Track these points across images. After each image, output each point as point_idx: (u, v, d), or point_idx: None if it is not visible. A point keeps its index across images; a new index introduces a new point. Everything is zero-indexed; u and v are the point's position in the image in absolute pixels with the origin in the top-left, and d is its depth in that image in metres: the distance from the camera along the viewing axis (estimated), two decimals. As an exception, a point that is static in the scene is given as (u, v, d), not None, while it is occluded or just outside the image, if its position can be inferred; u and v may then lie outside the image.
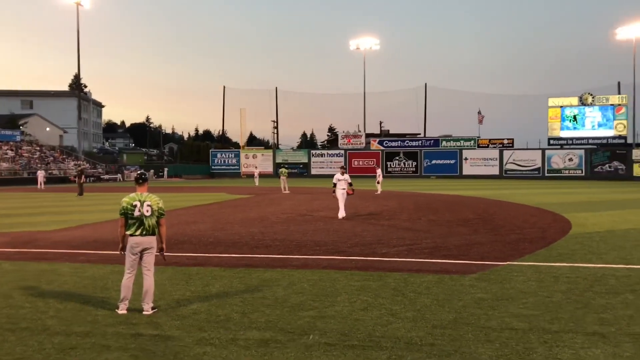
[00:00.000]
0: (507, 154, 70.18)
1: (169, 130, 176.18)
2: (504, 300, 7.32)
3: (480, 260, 10.45)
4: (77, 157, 70.07)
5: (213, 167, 78.85)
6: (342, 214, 18.17)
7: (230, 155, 79.56)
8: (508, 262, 10.15)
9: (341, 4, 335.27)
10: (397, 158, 73.56)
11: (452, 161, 71.78)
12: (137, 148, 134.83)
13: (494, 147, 71.02)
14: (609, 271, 9.25)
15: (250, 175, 59.85)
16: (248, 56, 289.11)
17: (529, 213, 20.08)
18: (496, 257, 10.78)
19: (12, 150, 61.69)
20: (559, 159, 68.08)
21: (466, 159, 71.37)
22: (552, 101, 69.02)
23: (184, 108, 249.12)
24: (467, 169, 70.87)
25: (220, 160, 79.09)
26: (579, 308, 6.93)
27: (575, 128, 67.85)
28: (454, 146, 72.57)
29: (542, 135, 71.40)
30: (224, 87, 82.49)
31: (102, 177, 64.70)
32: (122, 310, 6.80)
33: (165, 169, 76.06)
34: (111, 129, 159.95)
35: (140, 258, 6.92)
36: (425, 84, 78.94)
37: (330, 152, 78.67)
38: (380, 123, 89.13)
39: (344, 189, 18.28)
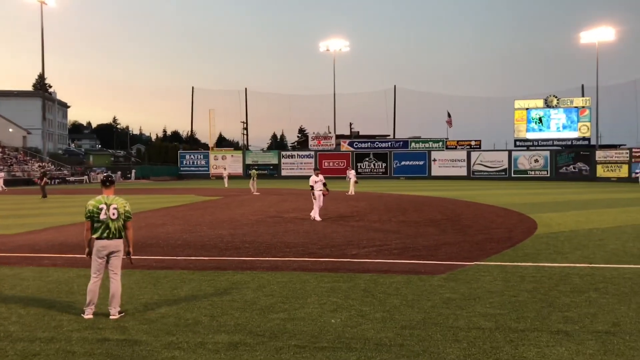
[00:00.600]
0: (474, 155, 71.42)
1: (136, 131, 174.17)
2: (472, 300, 7.43)
3: (448, 260, 10.58)
4: (42, 159, 68.44)
5: (182, 169, 77.94)
6: (317, 216, 18.17)
7: (199, 157, 78.71)
8: (475, 262, 10.30)
9: (311, 5, 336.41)
10: (367, 159, 74.03)
11: (421, 162, 72.62)
12: (103, 149, 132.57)
13: (462, 148, 72.26)
14: (573, 270, 9.46)
15: (220, 177, 59.44)
16: (217, 57, 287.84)
17: (495, 213, 20.42)
18: (464, 257, 10.93)
19: (-27, 151, 59.96)
20: (525, 160, 69.58)
21: (435, 160, 72.35)
22: (518, 103, 70.52)
23: (151, 109, 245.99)
24: (435, 170, 71.81)
25: (189, 162, 78.20)
26: (544, 307, 7.07)
27: (540, 130, 69.38)
28: (422, 147, 73.47)
29: (508, 137, 73.13)
30: (193, 87, 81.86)
31: (67, 179, 63.16)
32: (88, 314, 6.68)
33: (133, 171, 74.84)
34: (77, 130, 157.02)
35: (107, 262, 6.82)
36: (395, 85, 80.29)
37: (300, 153, 78.67)
38: (350, 124, 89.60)
39: (320, 190, 18.39)
